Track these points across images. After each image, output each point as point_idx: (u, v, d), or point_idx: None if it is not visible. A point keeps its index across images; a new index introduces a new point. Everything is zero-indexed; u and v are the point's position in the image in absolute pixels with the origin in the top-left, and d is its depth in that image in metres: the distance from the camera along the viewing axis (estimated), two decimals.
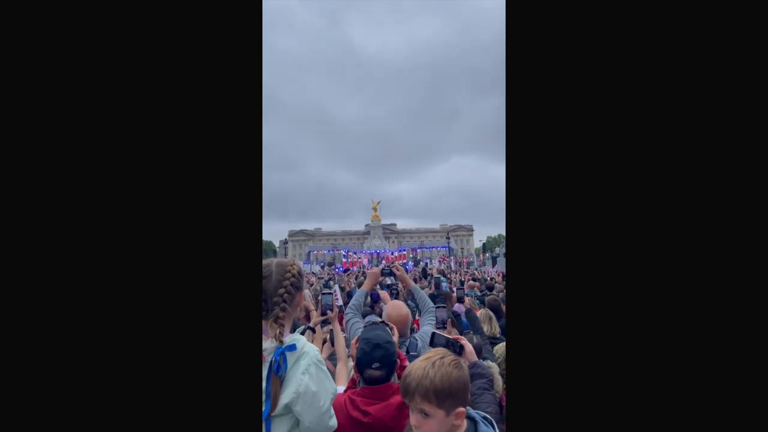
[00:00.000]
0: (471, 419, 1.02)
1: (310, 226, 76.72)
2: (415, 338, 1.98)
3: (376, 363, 1.48)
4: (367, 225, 61.73)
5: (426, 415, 0.96)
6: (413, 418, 0.99)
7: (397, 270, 2.44)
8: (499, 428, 1.06)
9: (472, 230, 76.71)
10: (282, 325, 1.23)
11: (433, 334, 1.64)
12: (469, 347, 1.55)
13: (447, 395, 0.95)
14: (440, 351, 1.06)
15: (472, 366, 1.43)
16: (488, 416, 1.03)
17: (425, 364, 1.00)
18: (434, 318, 2.13)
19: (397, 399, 1.46)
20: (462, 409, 0.99)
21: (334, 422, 1.28)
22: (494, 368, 1.98)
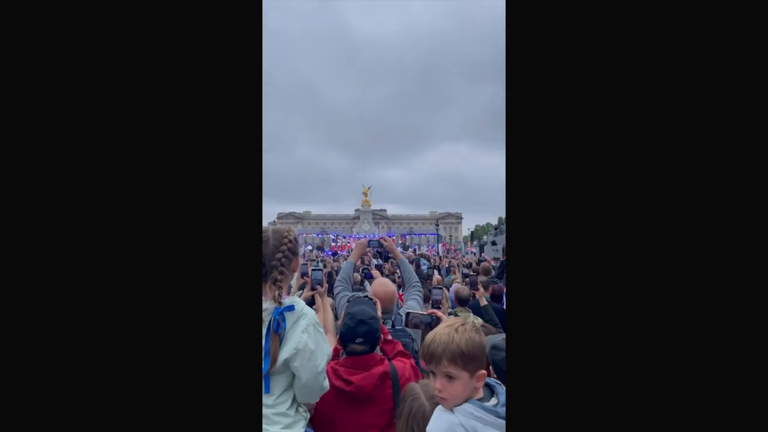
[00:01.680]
0: (486, 385, 1.07)
1: (299, 209, 76.39)
2: (399, 314, 2.04)
3: (360, 338, 1.52)
4: (357, 210, 61.61)
5: (451, 378, 1.01)
6: (438, 383, 1.03)
7: (385, 241, 2.47)
8: None
9: (461, 218, 77.31)
10: (280, 287, 1.30)
11: (408, 313, 1.69)
12: (444, 318, 1.63)
13: (471, 358, 1.01)
14: (459, 319, 1.11)
15: None
16: (500, 382, 1.07)
17: (449, 330, 1.05)
18: (419, 293, 2.18)
19: (379, 369, 1.51)
20: (483, 371, 1.04)
21: (327, 384, 1.35)
22: None
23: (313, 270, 2.16)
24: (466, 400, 1.01)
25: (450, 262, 8.76)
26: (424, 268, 5.73)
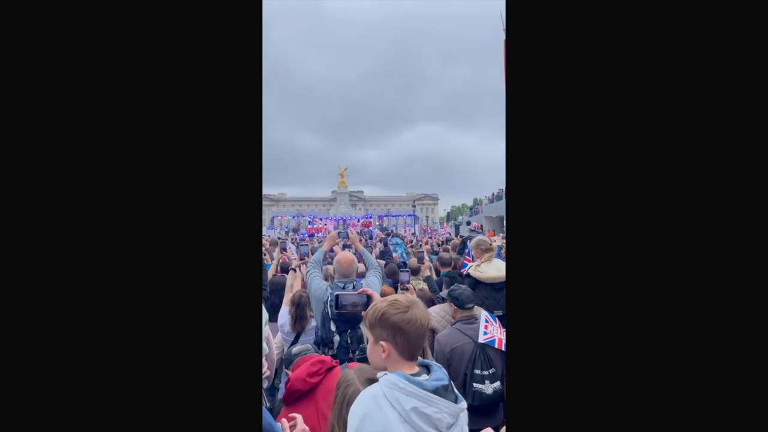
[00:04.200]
0: (424, 366, 1.09)
1: (274, 191, 74.90)
2: (360, 282, 2.40)
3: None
4: (333, 191, 61.16)
5: (368, 340, 1.12)
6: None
7: (351, 233, 2.99)
8: None
9: (437, 199, 78.27)
10: None
11: (337, 296, 1.82)
12: (375, 296, 1.75)
13: (371, 323, 1.09)
14: (396, 296, 1.16)
15: None
16: (439, 365, 1.09)
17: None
18: (378, 272, 2.54)
19: (312, 359, 1.54)
20: (383, 343, 1.06)
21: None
22: None
23: (300, 245, 3.24)
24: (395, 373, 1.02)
25: (422, 244, 8.91)
26: (398, 253, 5.83)
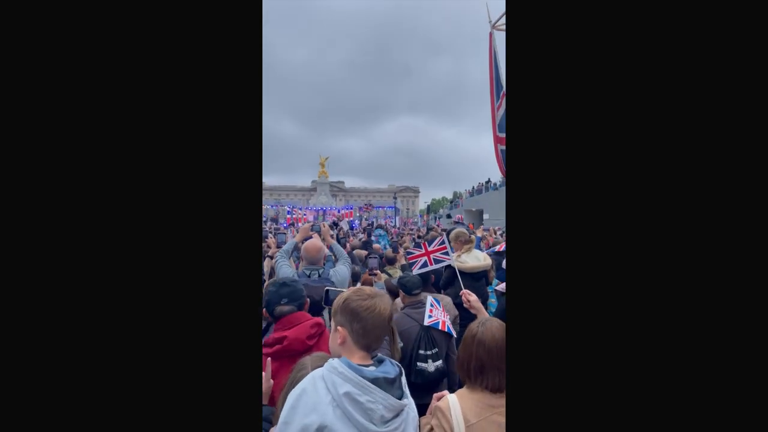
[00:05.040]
0: (380, 361, 1.08)
1: None
2: (327, 270, 2.44)
3: (284, 299, 1.60)
4: (314, 181, 60.38)
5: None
6: None
7: (324, 227, 3.10)
8: None
9: (419, 191, 78.60)
10: None
11: (327, 290, 1.84)
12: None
13: (336, 311, 1.10)
14: (367, 287, 1.19)
15: None
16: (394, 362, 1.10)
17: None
18: (347, 262, 2.62)
19: (310, 321, 1.56)
20: (340, 329, 1.07)
21: None
22: None
23: (278, 234, 3.23)
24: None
25: (403, 235, 9.00)
26: (381, 244, 5.88)
